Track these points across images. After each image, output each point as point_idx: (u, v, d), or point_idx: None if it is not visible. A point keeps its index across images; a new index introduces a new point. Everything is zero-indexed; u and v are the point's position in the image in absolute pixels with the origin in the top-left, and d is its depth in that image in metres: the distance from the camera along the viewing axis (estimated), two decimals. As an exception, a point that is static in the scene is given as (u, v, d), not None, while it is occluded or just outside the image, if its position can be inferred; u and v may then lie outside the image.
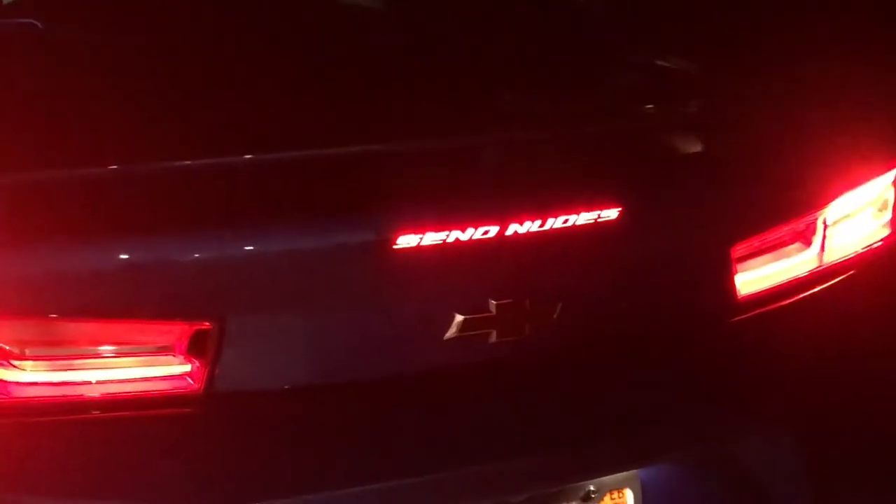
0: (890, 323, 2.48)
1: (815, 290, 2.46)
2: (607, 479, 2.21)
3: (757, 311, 2.38)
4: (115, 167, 2.11)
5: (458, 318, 2.13)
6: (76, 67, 2.28)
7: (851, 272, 2.51)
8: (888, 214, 2.60)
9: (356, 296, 2.11)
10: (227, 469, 2.01)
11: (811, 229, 2.46)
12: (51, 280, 1.98)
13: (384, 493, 2.05)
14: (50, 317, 2.00)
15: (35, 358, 2.01)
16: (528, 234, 2.11)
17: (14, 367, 2.00)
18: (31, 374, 2.01)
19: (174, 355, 2.05)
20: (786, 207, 2.42)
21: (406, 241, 2.04)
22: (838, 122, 2.54)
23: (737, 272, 2.37)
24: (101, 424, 2.02)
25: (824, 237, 2.47)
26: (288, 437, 2.07)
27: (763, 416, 2.31)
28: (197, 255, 2.02)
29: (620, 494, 2.23)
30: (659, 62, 2.68)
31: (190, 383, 2.05)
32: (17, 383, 2.01)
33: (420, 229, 2.04)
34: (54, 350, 2.02)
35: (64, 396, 2.02)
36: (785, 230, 2.44)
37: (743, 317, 2.37)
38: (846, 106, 2.58)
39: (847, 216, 2.51)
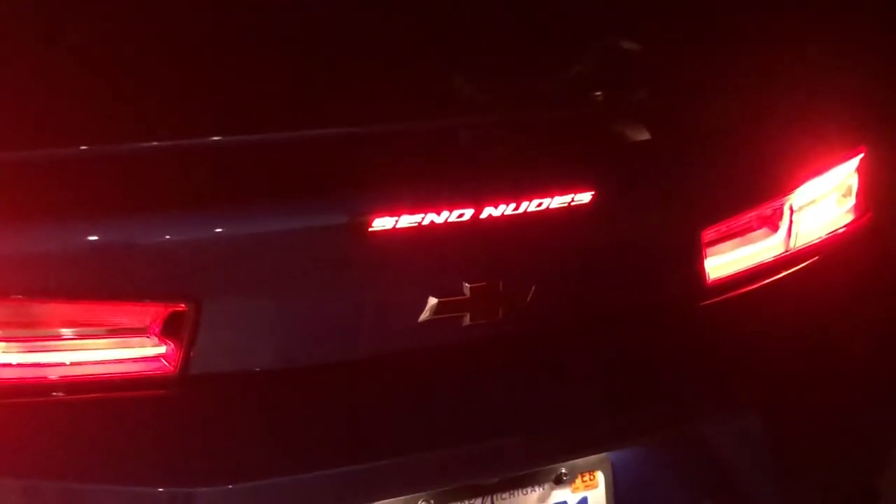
0: (853, 307, 2.52)
1: (782, 274, 2.49)
2: (579, 461, 2.23)
3: (725, 296, 2.41)
4: (87, 147, 2.09)
5: (432, 300, 2.14)
6: (47, 45, 2.25)
7: (816, 257, 2.55)
8: (852, 200, 2.64)
9: (331, 278, 2.11)
10: (202, 451, 2.01)
11: (778, 215, 2.49)
12: (23, 261, 1.96)
13: (357, 475, 2.05)
14: (23, 298, 1.99)
15: (6, 339, 2.00)
16: (503, 218, 2.12)
17: (-15, 348, 1.98)
18: (2, 356, 1.99)
19: (149, 337, 2.04)
20: (754, 193, 2.45)
21: (381, 223, 2.05)
22: (804, 110, 2.57)
23: (706, 256, 2.39)
24: (75, 406, 2.01)
25: (791, 223, 2.50)
26: (263, 420, 2.07)
27: (732, 398, 2.33)
28: (171, 237, 2.02)
29: (592, 477, 2.25)
30: (630, 47, 2.69)
31: (165, 365, 2.04)
32: (-11, 364, 1.99)
33: (395, 212, 2.04)
34: (27, 331, 2.00)
35: (36, 378, 2.00)
36: (753, 215, 2.47)
37: (712, 301, 2.39)
38: (812, 94, 2.61)
39: (812, 202, 2.55)
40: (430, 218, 2.06)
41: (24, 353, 2.00)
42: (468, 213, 2.09)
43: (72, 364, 2.01)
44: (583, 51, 2.62)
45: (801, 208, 2.52)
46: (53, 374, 2.01)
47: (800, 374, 2.38)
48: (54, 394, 2.01)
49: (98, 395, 2.02)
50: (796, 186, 2.49)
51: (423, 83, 2.38)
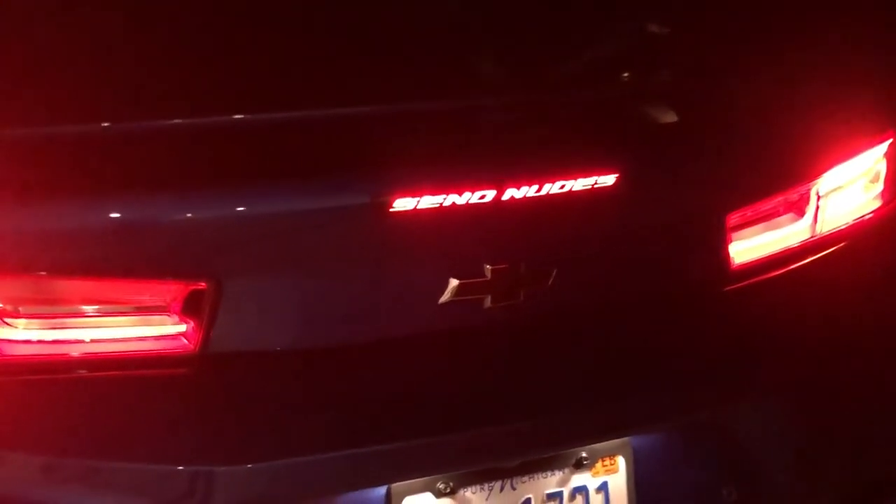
0: (879, 294, 2.49)
1: (807, 260, 2.47)
2: (599, 445, 2.21)
3: (750, 281, 2.39)
4: (110, 124, 2.09)
5: (453, 282, 2.13)
6: (77, 23, 2.25)
7: (843, 243, 2.52)
8: (880, 186, 2.61)
9: (352, 259, 2.10)
10: (222, 430, 2.01)
11: (804, 200, 2.47)
12: (46, 238, 1.97)
13: (376, 456, 2.05)
14: (45, 275, 2.00)
15: (29, 316, 2.00)
16: (525, 200, 2.10)
17: (7, 325, 1.99)
18: (25, 333, 2.00)
19: (169, 315, 2.04)
20: (780, 177, 2.42)
21: (403, 204, 2.04)
22: (832, 95, 2.54)
23: (731, 241, 2.37)
24: (95, 383, 2.02)
25: (817, 208, 2.48)
26: (282, 400, 2.07)
27: (754, 384, 2.32)
28: (193, 215, 2.02)
29: (612, 461, 2.23)
30: (656, 29, 2.67)
31: (184, 343, 2.04)
32: (10, 341, 2.00)
33: (417, 193, 2.03)
34: (48, 308, 2.01)
35: (57, 355, 2.01)
36: (778, 200, 2.45)
37: (736, 286, 2.38)
38: (841, 78, 2.58)
39: (839, 188, 2.52)
40: (452, 199, 2.05)
41: (45, 329, 2.01)
42: (490, 194, 2.08)
43: (92, 341, 2.02)
44: (608, 32, 2.60)
45: (827, 194, 2.49)
46: (74, 352, 2.02)
47: (824, 360, 2.36)
48: (75, 371, 2.02)
49: (118, 372, 2.02)
50: (823, 171, 2.46)
51: (447, 63, 2.37)
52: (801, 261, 2.46)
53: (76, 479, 1.97)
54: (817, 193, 2.48)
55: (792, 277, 2.43)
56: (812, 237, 2.48)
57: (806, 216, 2.48)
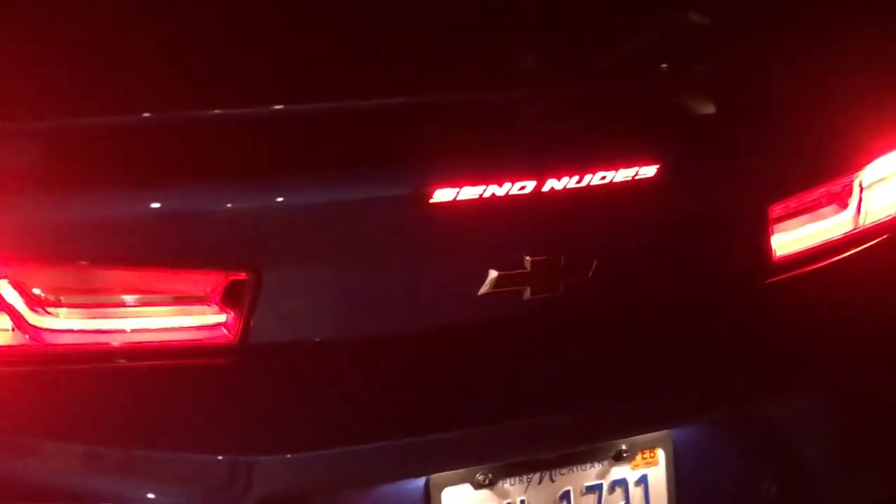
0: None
1: (850, 252, 2.45)
2: (639, 438, 2.20)
3: (792, 273, 2.37)
4: (152, 115, 2.10)
5: (493, 273, 2.12)
6: (118, 11, 2.26)
7: (886, 235, 2.50)
8: (925, 178, 2.58)
9: (391, 250, 2.10)
10: (261, 420, 2.01)
11: (847, 191, 2.45)
12: (87, 228, 1.98)
13: (415, 448, 2.05)
14: (86, 264, 2.00)
15: (70, 305, 2.01)
16: (565, 191, 2.09)
17: (49, 314, 2.00)
18: (66, 322, 2.01)
19: (209, 305, 2.04)
20: (823, 168, 2.40)
21: (442, 195, 2.03)
22: (876, 85, 2.51)
23: (773, 233, 2.35)
24: (135, 373, 2.02)
25: (860, 200, 2.46)
26: (321, 390, 2.07)
27: (796, 378, 2.30)
28: (234, 206, 2.02)
29: (652, 454, 2.22)
30: (698, 19, 2.65)
31: (224, 334, 2.05)
32: (52, 330, 2.00)
33: (457, 184, 2.03)
34: (90, 298, 2.02)
35: (98, 344, 2.02)
36: (821, 191, 2.42)
37: (778, 278, 2.36)
38: (885, 67, 2.55)
39: (883, 179, 2.50)
40: (492, 190, 2.05)
41: (86, 319, 2.02)
42: (530, 185, 2.07)
43: (133, 331, 2.03)
44: (650, 22, 2.58)
45: (871, 185, 2.47)
46: (115, 341, 2.03)
47: (867, 354, 2.34)
48: (115, 361, 2.03)
49: (158, 362, 2.03)
50: (867, 163, 2.44)
51: (488, 55, 2.35)
52: (843, 253, 2.44)
53: (116, 469, 1.98)
54: (860, 185, 2.46)
55: (834, 270, 2.41)
56: (855, 229, 2.46)
57: (849, 208, 2.45)
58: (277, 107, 2.15)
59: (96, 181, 1.99)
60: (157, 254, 2.01)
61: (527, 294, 2.16)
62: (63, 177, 1.99)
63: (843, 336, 2.34)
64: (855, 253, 2.45)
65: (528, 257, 2.13)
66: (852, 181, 2.45)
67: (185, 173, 2.01)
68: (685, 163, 2.23)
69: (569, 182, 2.09)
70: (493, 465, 2.11)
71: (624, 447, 2.19)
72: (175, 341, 2.04)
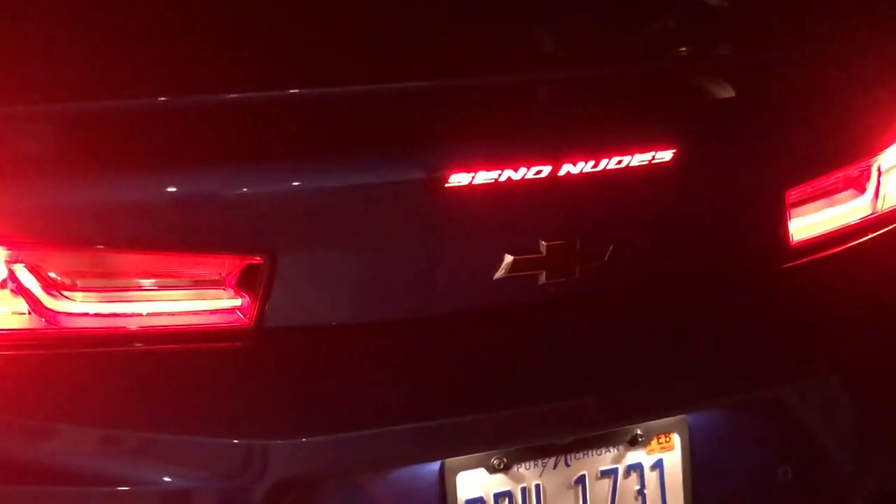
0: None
1: (868, 237, 2.43)
2: (655, 423, 2.19)
3: (809, 258, 2.36)
4: (167, 99, 2.10)
5: (508, 258, 2.12)
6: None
7: (905, 220, 2.48)
8: (944, 162, 2.56)
9: (406, 234, 2.10)
10: (276, 404, 2.01)
11: (865, 176, 2.43)
12: (103, 211, 1.98)
13: (430, 432, 2.05)
14: (102, 248, 2.01)
15: (86, 289, 2.01)
16: (581, 175, 2.08)
17: (65, 297, 2.00)
18: (82, 305, 2.01)
19: (225, 289, 2.04)
20: (840, 153, 2.39)
21: (458, 179, 2.03)
22: (895, 68, 2.49)
23: (790, 218, 2.34)
24: (151, 356, 2.03)
25: (878, 184, 2.44)
26: (336, 374, 2.07)
27: (812, 362, 2.29)
28: (248, 190, 2.02)
29: (668, 439, 2.21)
30: (715, 2, 2.64)
31: (240, 317, 2.05)
32: (68, 314, 2.01)
33: (472, 168, 2.02)
34: (105, 282, 2.02)
35: (114, 328, 2.02)
36: (839, 176, 2.41)
37: (795, 263, 2.34)
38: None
39: (902, 163, 2.48)
40: (508, 174, 2.04)
41: (102, 303, 2.02)
42: (546, 170, 2.06)
43: (148, 315, 2.03)
44: (665, 4, 2.57)
45: (889, 169, 2.46)
46: (130, 325, 2.03)
47: (885, 340, 2.33)
48: (130, 344, 2.03)
49: (174, 346, 2.03)
50: (885, 147, 2.43)
51: (503, 37, 2.35)
52: (861, 238, 2.43)
53: (131, 452, 1.99)
54: (879, 169, 2.44)
55: (852, 255, 2.40)
56: (873, 214, 2.45)
57: (867, 192, 2.44)
58: (292, 90, 2.14)
59: (112, 165, 1.99)
60: (173, 238, 2.01)
61: (542, 279, 2.15)
62: (78, 161, 1.99)
63: (860, 322, 2.33)
64: (873, 238, 2.44)
65: (543, 242, 2.13)
66: (870, 165, 2.43)
67: (201, 157, 2.01)
68: (701, 147, 2.22)
69: (584, 166, 2.08)
70: (508, 449, 2.11)
71: (639, 432, 2.19)
72: (190, 325, 2.04)
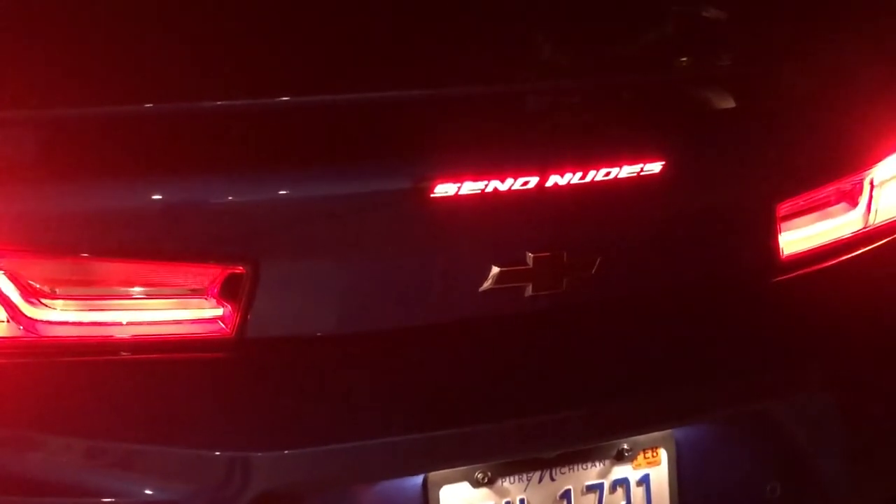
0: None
1: (860, 251, 2.41)
2: (641, 437, 2.18)
3: (800, 272, 2.34)
4: (150, 106, 2.09)
5: (495, 269, 2.10)
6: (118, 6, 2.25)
7: (896, 235, 2.47)
8: (937, 176, 2.54)
9: (392, 244, 2.08)
10: (258, 415, 2.00)
11: (857, 189, 2.42)
12: (84, 219, 1.97)
13: (413, 445, 2.03)
14: (82, 256, 1.99)
15: (66, 297, 2.00)
16: (569, 187, 2.07)
17: (44, 305, 1.99)
18: (61, 314, 2.00)
19: (206, 299, 2.03)
20: (833, 166, 2.37)
21: (444, 190, 2.01)
22: (888, 82, 2.48)
23: (781, 231, 2.32)
24: (131, 366, 2.01)
25: (871, 198, 2.42)
26: (319, 386, 2.05)
27: (802, 377, 2.27)
28: (232, 199, 2.01)
29: (654, 454, 2.20)
30: (704, 14, 2.62)
31: (221, 327, 2.03)
32: (47, 322, 1.99)
33: (458, 178, 2.01)
34: (85, 290, 2.01)
35: (94, 337, 2.01)
36: (831, 189, 2.39)
37: (786, 277, 2.33)
38: (897, 64, 2.52)
39: (895, 177, 2.46)
40: (494, 185, 2.02)
41: (82, 311, 2.00)
42: (533, 180, 2.04)
43: (129, 324, 2.01)
44: (657, 16, 2.56)
45: (882, 183, 2.44)
46: (110, 334, 2.01)
47: (874, 354, 2.31)
48: (111, 353, 2.01)
49: (155, 355, 2.01)
50: (878, 160, 2.41)
51: (491, 48, 2.33)
52: (853, 252, 2.41)
53: (110, 463, 1.97)
54: (871, 182, 2.42)
55: (843, 269, 2.38)
56: (865, 228, 2.43)
57: (859, 206, 2.42)
58: (276, 99, 2.13)
59: (93, 173, 1.98)
60: (154, 246, 1.99)
61: (529, 291, 2.13)
62: (60, 168, 1.97)
63: (850, 336, 2.31)
64: (865, 252, 2.42)
65: (530, 254, 2.11)
66: (862, 179, 2.42)
67: (183, 166, 1.99)
68: (691, 159, 2.21)
69: (572, 178, 2.06)
70: (493, 463, 2.09)
71: (626, 446, 2.17)
72: (171, 334, 2.02)
